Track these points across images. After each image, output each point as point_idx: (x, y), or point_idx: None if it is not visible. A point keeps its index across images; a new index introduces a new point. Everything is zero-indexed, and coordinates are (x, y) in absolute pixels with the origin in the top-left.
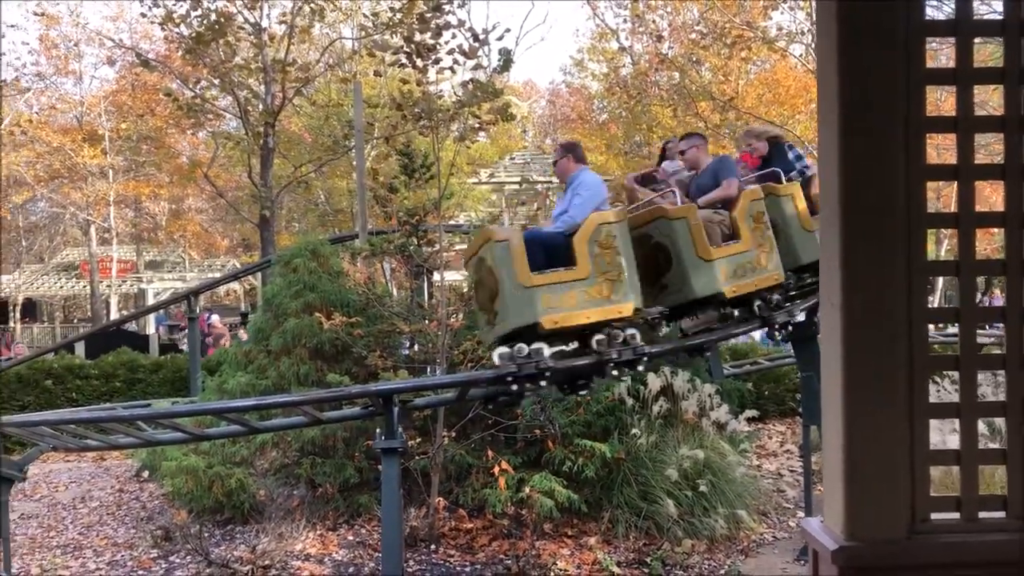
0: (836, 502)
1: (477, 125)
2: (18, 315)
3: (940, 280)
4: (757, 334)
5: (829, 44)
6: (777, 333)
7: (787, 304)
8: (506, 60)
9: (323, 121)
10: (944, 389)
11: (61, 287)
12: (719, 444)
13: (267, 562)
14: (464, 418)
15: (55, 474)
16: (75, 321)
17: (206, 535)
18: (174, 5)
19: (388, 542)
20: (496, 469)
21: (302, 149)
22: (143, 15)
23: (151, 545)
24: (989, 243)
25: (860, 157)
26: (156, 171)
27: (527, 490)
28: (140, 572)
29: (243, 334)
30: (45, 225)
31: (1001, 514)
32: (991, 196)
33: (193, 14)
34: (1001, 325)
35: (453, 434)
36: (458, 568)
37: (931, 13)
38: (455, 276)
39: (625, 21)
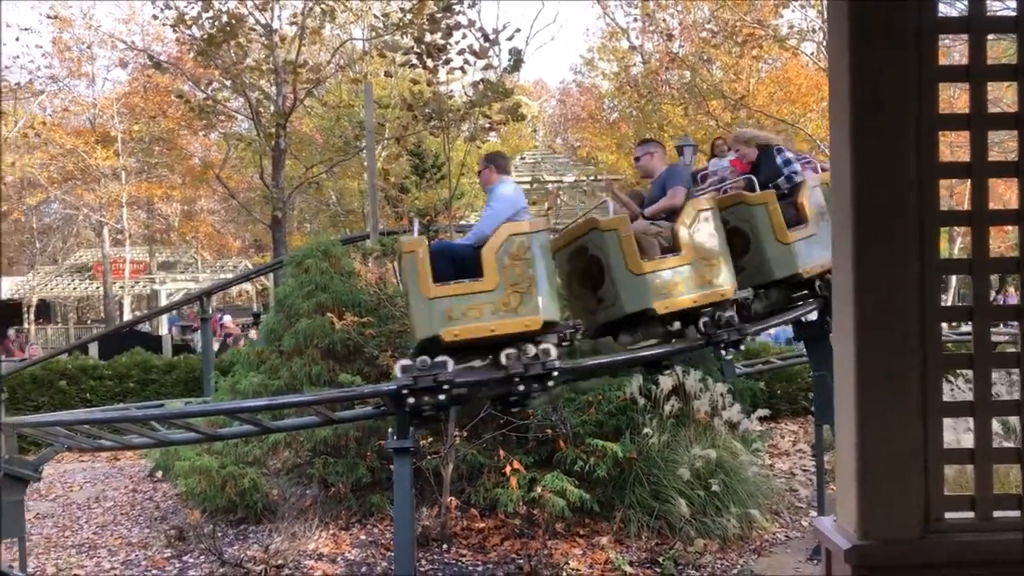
0: (849, 501)
1: (488, 125)
2: (32, 316)
3: (953, 278)
4: (773, 331)
5: (841, 42)
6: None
7: (743, 323)
8: (516, 60)
9: (334, 122)
10: (958, 388)
11: (75, 288)
12: (731, 443)
13: (280, 561)
14: (475, 418)
15: (70, 474)
16: (88, 322)
17: (219, 535)
18: (186, 7)
19: (400, 542)
20: (508, 469)
21: (313, 150)
22: (155, 17)
23: (165, 545)
24: (1003, 241)
25: (872, 155)
26: (168, 172)
27: (539, 490)
28: (154, 571)
29: (253, 334)
30: (59, 227)
31: (1016, 513)
32: (1005, 193)
33: (205, 16)
34: (1015, 323)
35: (465, 434)
36: (470, 568)
37: (944, 10)
38: None
39: (635, 20)
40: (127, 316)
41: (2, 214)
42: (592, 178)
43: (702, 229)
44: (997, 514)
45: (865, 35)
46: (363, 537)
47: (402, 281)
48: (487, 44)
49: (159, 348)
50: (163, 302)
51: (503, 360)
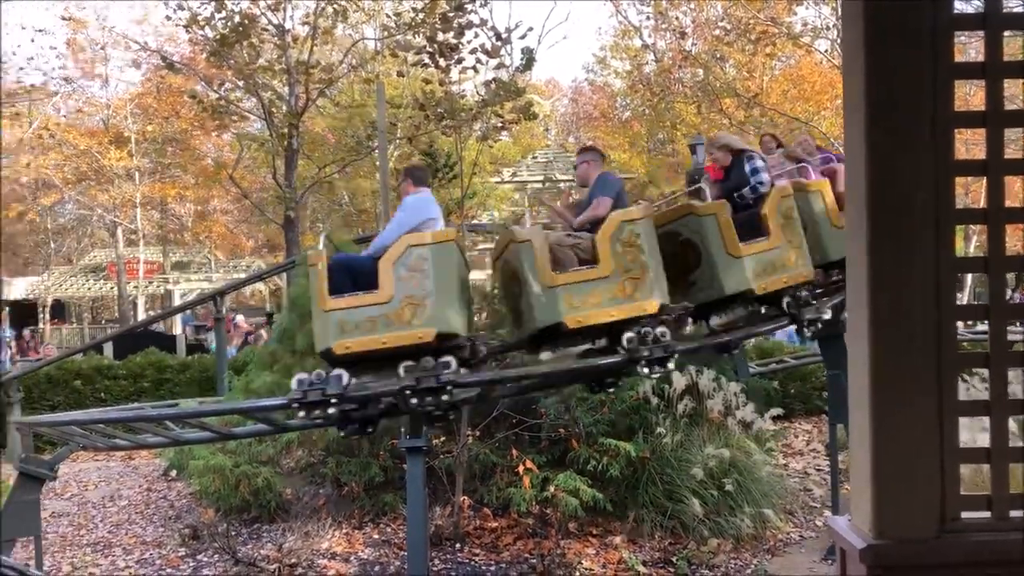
0: (864, 501)
1: (500, 124)
2: (47, 316)
3: (969, 277)
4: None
5: (855, 39)
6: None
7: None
8: (528, 59)
9: (346, 122)
10: (974, 387)
11: (89, 288)
12: (745, 443)
13: (294, 560)
14: (488, 417)
15: (85, 473)
16: (103, 322)
17: (233, 534)
18: (199, 8)
19: (413, 541)
20: (520, 468)
21: (326, 150)
22: (168, 18)
23: (179, 543)
24: (1020, 239)
25: (887, 154)
26: (182, 173)
27: (552, 489)
28: (168, 570)
29: (264, 334)
30: (73, 227)
31: None
32: (1021, 191)
33: (217, 16)
34: None
35: (477, 433)
36: (483, 567)
37: (959, 7)
38: (478, 275)
39: (648, 18)
40: (141, 316)
41: (1, 215)
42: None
43: (624, 239)
44: (1014, 513)
45: (880, 32)
46: (376, 536)
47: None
48: (499, 43)
49: (173, 348)
50: (177, 302)
51: (400, 373)
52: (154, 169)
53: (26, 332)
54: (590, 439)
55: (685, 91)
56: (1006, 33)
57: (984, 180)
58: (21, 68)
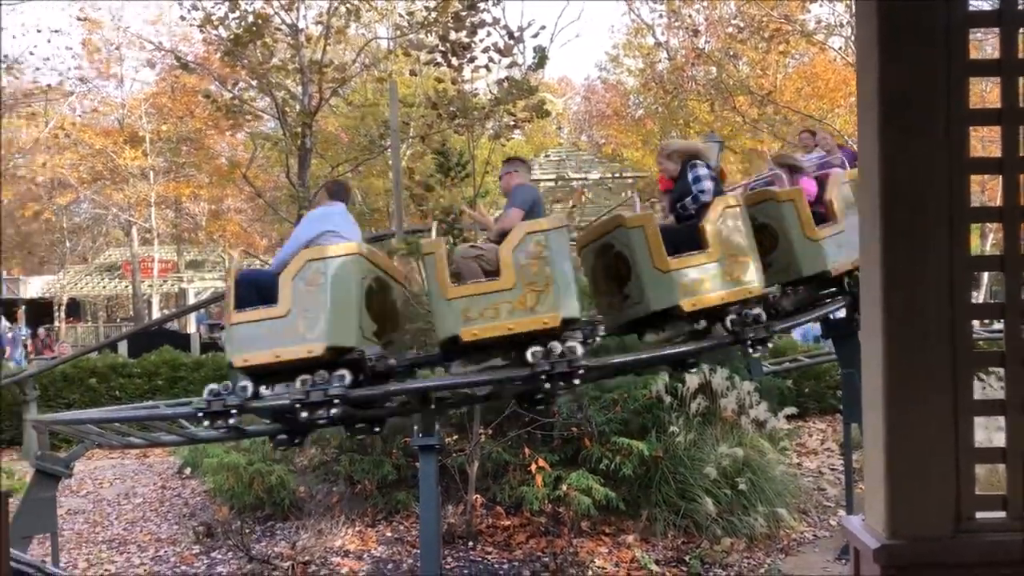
0: (878, 500)
1: (512, 123)
2: (63, 315)
3: (985, 275)
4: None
5: (869, 36)
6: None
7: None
8: (541, 57)
9: (359, 121)
10: (990, 386)
11: (104, 287)
12: (758, 442)
13: (307, 558)
14: (501, 415)
15: (100, 471)
16: (118, 320)
17: (247, 531)
18: (213, 8)
19: (426, 539)
20: (533, 467)
21: (339, 149)
22: (182, 18)
23: (193, 541)
24: None
25: (901, 151)
26: (196, 172)
27: (564, 488)
28: (183, 567)
29: None
30: (88, 226)
31: None
32: None
33: (231, 16)
34: None
35: (490, 431)
36: (495, 565)
37: (975, 3)
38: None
39: (661, 16)
40: (156, 314)
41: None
42: (617, 175)
43: (530, 251)
44: None
45: (894, 29)
46: (389, 534)
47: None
48: (512, 42)
49: (187, 346)
50: (191, 300)
51: (297, 385)
52: (168, 168)
53: (41, 330)
54: (603, 438)
55: (698, 89)
56: (1022, 30)
57: (1000, 178)
58: (37, 68)
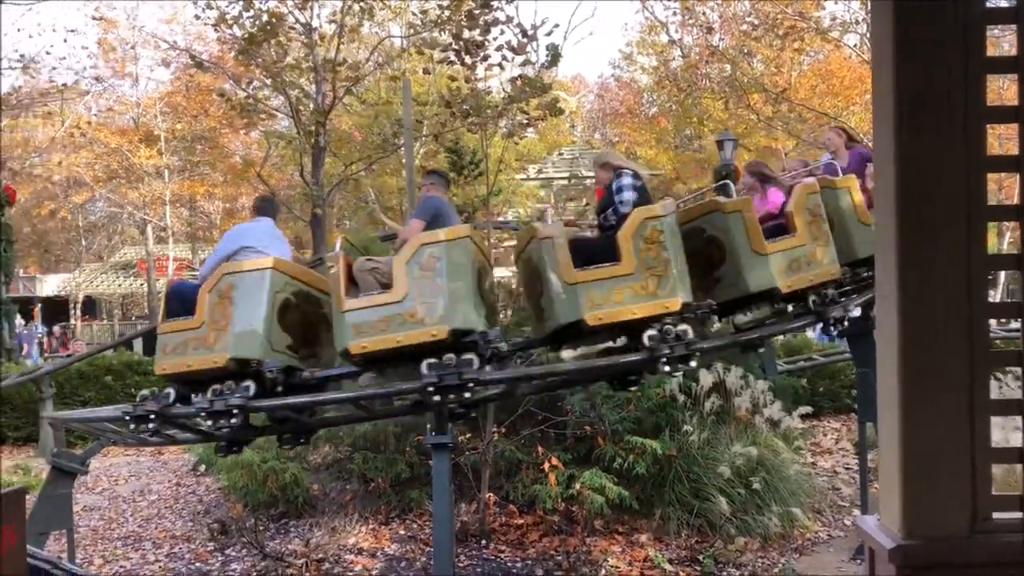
0: (893, 500)
1: (525, 121)
2: (79, 313)
3: (1002, 274)
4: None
5: (884, 33)
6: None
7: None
8: (554, 55)
9: (373, 119)
10: (1007, 386)
11: (119, 285)
12: (773, 441)
13: (321, 555)
14: (514, 414)
15: (115, 468)
16: (133, 318)
17: (261, 528)
18: (227, 7)
19: (439, 537)
20: (546, 465)
21: (352, 147)
22: (197, 17)
23: (208, 538)
24: None
25: (917, 149)
26: (210, 170)
27: (577, 486)
28: (197, 564)
29: None
30: (104, 224)
31: None
32: None
33: (245, 15)
34: None
35: (503, 430)
36: (509, 563)
37: (991, 1)
38: (504, 272)
39: (675, 14)
40: None
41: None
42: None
43: (424, 263)
44: None
45: (909, 27)
46: (402, 532)
47: None
48: (525, 40)
49: None
50: None
51: (208, 394)
52: (183, 167)
53: (56, 328)
54: (616, 437)
55: (712, 87)
56: None
57: (1017, 176)
58: (54, 68)
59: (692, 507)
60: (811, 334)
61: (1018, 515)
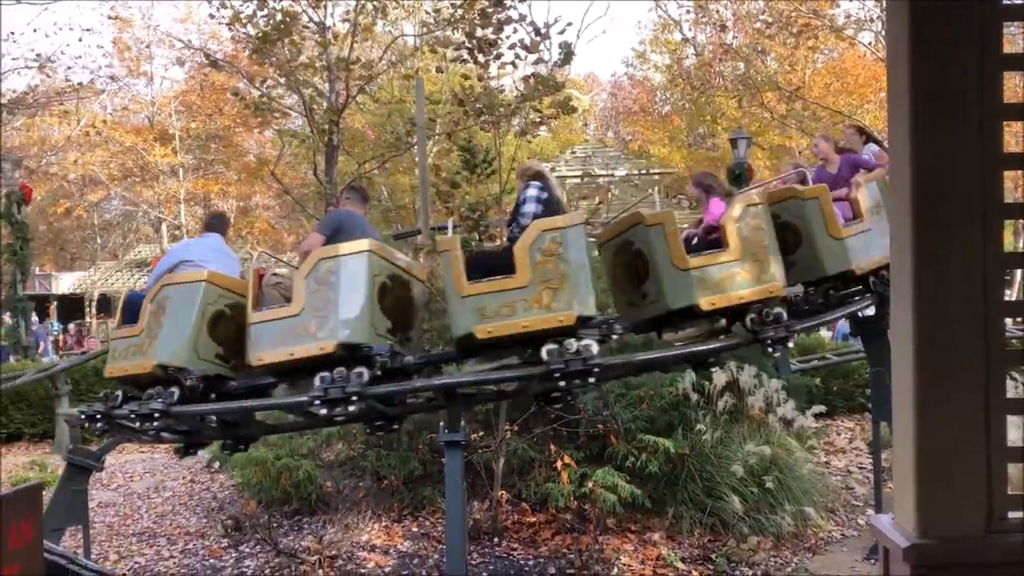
0: (908, 499)
1: (538, 119)
2: (94, 310)
3: (1019, 272)
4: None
5: (900, 31)
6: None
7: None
8: (567, 54)
9: (386, 118)
10: (1023, 384)
11: (135, 283)
12: (786, 440)
13: (334, 552)
14: (526, 412)
15: (130, 464)
16: None
17: (275, 525)
18: (241, 6)
19: (452, 535)
20: (559, 463)
21: (365, 146)
22: (211, 16)
23: (222, 534)
24: None
25: (932, 147)
26: (224, 169)
27: (590, 485)
28: (211, 560)
29: None
30: (119, 223)
31: None
32: None
33: (259, 14)
34: None
35: (515, 428)
36: (521, 561)
37: None
38: None
39: (688, 12)
40: None
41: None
42: (643, 172)
43: (320, 277)
44: None
45: (925, 25)
46: (415, 529)
47: None
48: (538, 38)
49: None
50: None
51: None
52: (197, 165)
53: (71, 326)
54: (629, 435)
55: (726, 85)
56: None
57: None
58: (69, 67)
59: (705, 506)
60: (825, 333)
61: None
